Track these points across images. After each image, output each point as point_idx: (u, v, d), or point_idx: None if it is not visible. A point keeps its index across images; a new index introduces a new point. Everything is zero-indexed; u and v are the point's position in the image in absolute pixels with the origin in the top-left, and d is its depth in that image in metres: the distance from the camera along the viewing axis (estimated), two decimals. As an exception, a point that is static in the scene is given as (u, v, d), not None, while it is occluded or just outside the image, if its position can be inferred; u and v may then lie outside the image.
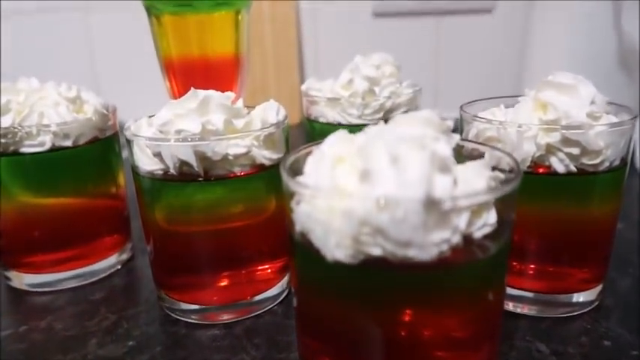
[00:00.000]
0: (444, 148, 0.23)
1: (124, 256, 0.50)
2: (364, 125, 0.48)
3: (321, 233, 0.23)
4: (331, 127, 0.50)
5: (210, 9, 0.58)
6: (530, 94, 0.39)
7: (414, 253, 0.22)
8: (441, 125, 0.26)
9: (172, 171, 0.35)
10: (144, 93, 0.83)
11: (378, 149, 0.23)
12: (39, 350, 0.36)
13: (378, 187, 0.22)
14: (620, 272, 0.43)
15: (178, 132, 0.34)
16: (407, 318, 0.25)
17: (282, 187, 0.26)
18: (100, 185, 0.47)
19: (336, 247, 0.23)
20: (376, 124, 0.48)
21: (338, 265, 0.23)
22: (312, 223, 0.24)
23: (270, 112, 0.38)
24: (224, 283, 0.39)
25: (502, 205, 0.24)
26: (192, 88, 0.37)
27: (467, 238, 0.24)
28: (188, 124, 0.34)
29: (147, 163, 0.36)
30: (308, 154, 0.28)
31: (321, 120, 0.50)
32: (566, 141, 0.34)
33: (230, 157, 0.35)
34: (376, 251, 0.23)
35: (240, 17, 0.60)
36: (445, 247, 0.22)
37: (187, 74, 0.60)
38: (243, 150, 0.36)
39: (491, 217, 0.24)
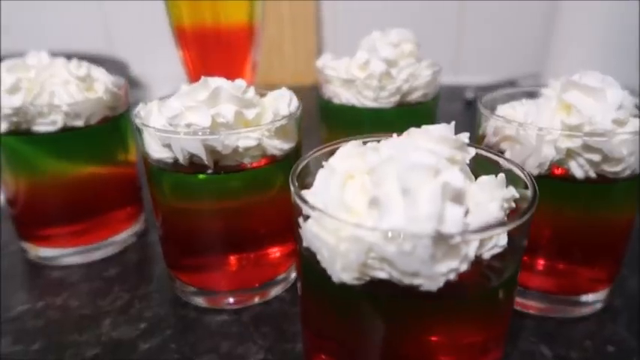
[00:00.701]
0: (457, 177, 0.22)
1: (138, 229, 0.51)
2: (379, 109, 0.47)
3: (328, 255, 0.23)
4: (345, 108, 0.48)
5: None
6: (555, 87, 0.37)
7: (420, 282, 0.22)
8: (456, 142, 0.25)
9: (182, 162, 0.35)
10: (157, 43, 0.79)
11: (390, 177, 0.22)
12: (56, 329, 0.38)
13: (387, 217, 0.21)
14: (631, 270, 0.43)
15: (188, 125, 0.34)
16: (412, 335, 0.25)
17: (291, 199, 0.26)
18: (112, 160, 0.47)
19: (342, 270, 0.23)
20: (392, 106, 0.47)
21: (343, 286, 0.23)
22: (319, 243, 0.24)
23: (282, 103, 0.37)
24: (232, 268, 0.40)
25: (514, 230, 0.24)
26: (202, 77, 0.36)
27: (475, 259, 0.23)
28: (198, 118, 0.34)
29: (157, 150, 0.36)
30: (318, 161, 0.28)
31: (335, 101, 0.49)
32: (588, 147, 0.32)
33: (240, 150, 0.35)
34: (382, 275, 0.23)
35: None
36: (453, 276, 0.22)
37: (200, 44, 0.59)
38: (253, 142, 0.35)
39: (501, 240, 0.24)
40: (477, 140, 0.39)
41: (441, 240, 0.21)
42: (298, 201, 0.24)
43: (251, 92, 0.37)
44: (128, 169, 0.49)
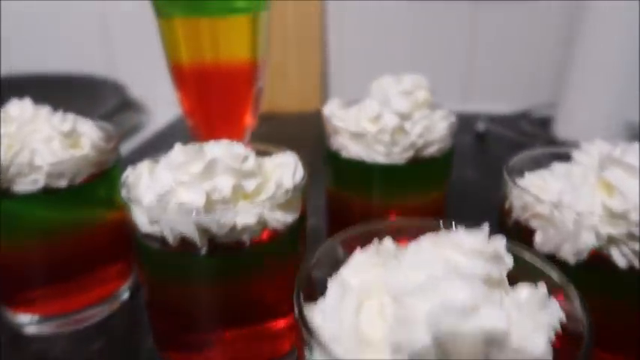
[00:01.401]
0: (500, 319, 0.18)
1: (129, 285, 0.47)
2: (391, 165, 0.43)
3: (340, 402, 0.19)
4: (354, 163, 0.45)
5: (224, 13, 0.52)
6: (591, 155, 0.34)
7: None
8: (492, 255, 0.21)
9: (171, 243, 0.31)
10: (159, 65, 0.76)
11: (418, 316, 0.18)
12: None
13: (415, 373, 0.17)
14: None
15: (179, 204, 0.30)
16: None
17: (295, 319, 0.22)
18: (99, 218, 0.43)
19: (357, 421, 0.19)
20: (405, 162, 0.43)
21: None
22: (329, 385, 0.20)
23: (287, 172, 0.33)
24: (227, 351, 0.36)
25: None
26: (197, 145, 0.32)
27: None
28: (191, 195, 0.30)
29: (145, 223, 0.32)
30: (330, 266, 0.24)
31: (344, 154, 0.45)
32: (633, 237, 0.28)
33: (238, 227, 0.31)
34: None
35: (258, 19, 0.54)
36: None
37: (199, 83, 0.55)
38: (253, 219, 0.31)
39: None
40: (503, 213, 0.35)
41: (481, 406, 0.17)
42: (304, 332, 0.20)
43: (251, 160, 0.33)
44: (116, 221, 0.45)
